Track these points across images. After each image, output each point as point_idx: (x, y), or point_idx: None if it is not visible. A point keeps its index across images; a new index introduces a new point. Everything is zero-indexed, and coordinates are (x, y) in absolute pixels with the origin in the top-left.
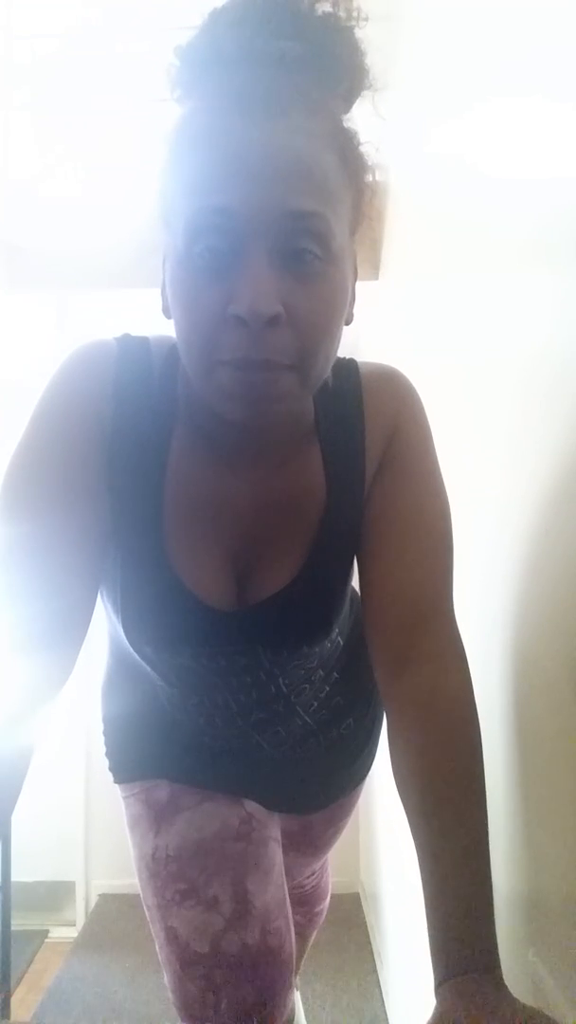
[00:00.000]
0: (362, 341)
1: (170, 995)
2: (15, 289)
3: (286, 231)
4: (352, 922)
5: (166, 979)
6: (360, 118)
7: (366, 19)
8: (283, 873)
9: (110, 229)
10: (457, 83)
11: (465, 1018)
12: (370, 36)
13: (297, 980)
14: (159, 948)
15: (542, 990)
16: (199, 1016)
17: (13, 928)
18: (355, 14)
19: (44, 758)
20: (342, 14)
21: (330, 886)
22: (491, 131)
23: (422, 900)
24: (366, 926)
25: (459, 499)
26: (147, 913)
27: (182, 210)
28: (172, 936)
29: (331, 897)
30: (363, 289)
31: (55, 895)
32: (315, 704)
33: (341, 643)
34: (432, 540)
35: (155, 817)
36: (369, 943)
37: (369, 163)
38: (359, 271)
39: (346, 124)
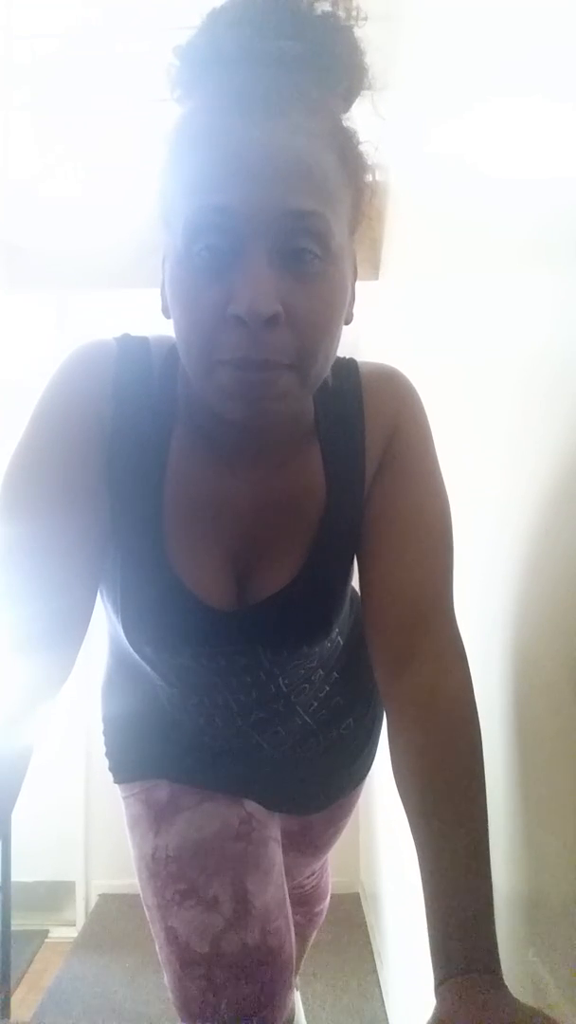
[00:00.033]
0: (362, 341)
1: (170, 995)
2: (15, 289)
3: (286, 230)
4: (352, 922)
5: (166, 979)
6: (360, 118)
7: (365, 18)
8: (283, 873)
9: (110, 229)
10: (457, 83)
11: (465, 1018)
12: (370, 36)
13: (297, 980)
14: (159, 948)
15: (542, 990)
16: (199, 1016)
17: (13, 928)
18: (354, 13)
19: (44, 758)
20: (341, 13)
21: (330, 886)
22: (491, 131)
23: (422, 900)
24: (366, 926)
25: (459, 499)
26: (147, 913)
27: (182, 209)
28: (172, 936)
29: (331, 897)
30: (363, 289)
31: (55, 895)
32: (315, 704)
33: (341, 643)
34: (432, 540)
35: (155, 817)
36: (369, 943)
37: (369, 162)
38: (359, 271)
39: (345, 123)
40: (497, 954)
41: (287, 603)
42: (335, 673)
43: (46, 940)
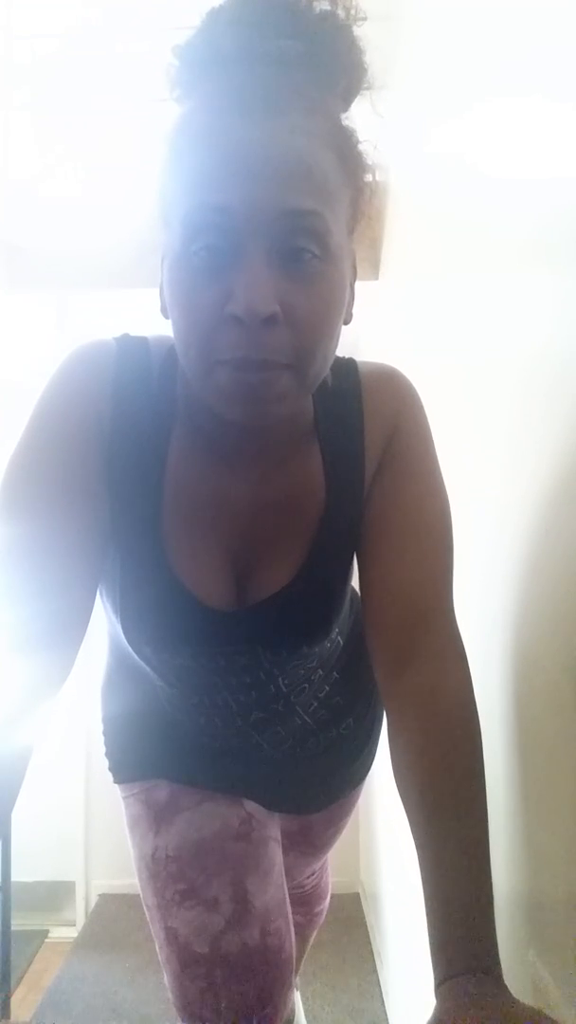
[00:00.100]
0: (362, 341)
1: (170, 995)
2: (15, 289)
3: (284, 230)
4: (352, 922)
5: (166, 979)
6: (360, 117)
7: (364, 18)
8: (283, 873)
9: (110, 229)
10: (457, 83)
11: (465, 1018)
12: (369, 36)
13: (297, 980)
14: (159, 948)
15: (542, 990)
16: (199, 1016)
17: (13, 928)
18: (354, 13)
19: (44, 758)
20: (341, 13)
21: (330, 886)
22: (491, 131)
23: (422, 900)
24: (366, 926)
25: (459, 499)
26: (147, 913)
27: (180, 209)
28: (172, 936)
29: (331, 897)
30: (363, 289)
31: (55, 895)
32: (315, 704)
33: (341, 643)
34: (432, 540)
35: (155, 817)
36: (369, 943)
37: (368, 162)
38: (359, 271)
39: (345, 123)
40: (497, 954)
41: (287, 603)
42: (335, 673)
43: (46, 940)
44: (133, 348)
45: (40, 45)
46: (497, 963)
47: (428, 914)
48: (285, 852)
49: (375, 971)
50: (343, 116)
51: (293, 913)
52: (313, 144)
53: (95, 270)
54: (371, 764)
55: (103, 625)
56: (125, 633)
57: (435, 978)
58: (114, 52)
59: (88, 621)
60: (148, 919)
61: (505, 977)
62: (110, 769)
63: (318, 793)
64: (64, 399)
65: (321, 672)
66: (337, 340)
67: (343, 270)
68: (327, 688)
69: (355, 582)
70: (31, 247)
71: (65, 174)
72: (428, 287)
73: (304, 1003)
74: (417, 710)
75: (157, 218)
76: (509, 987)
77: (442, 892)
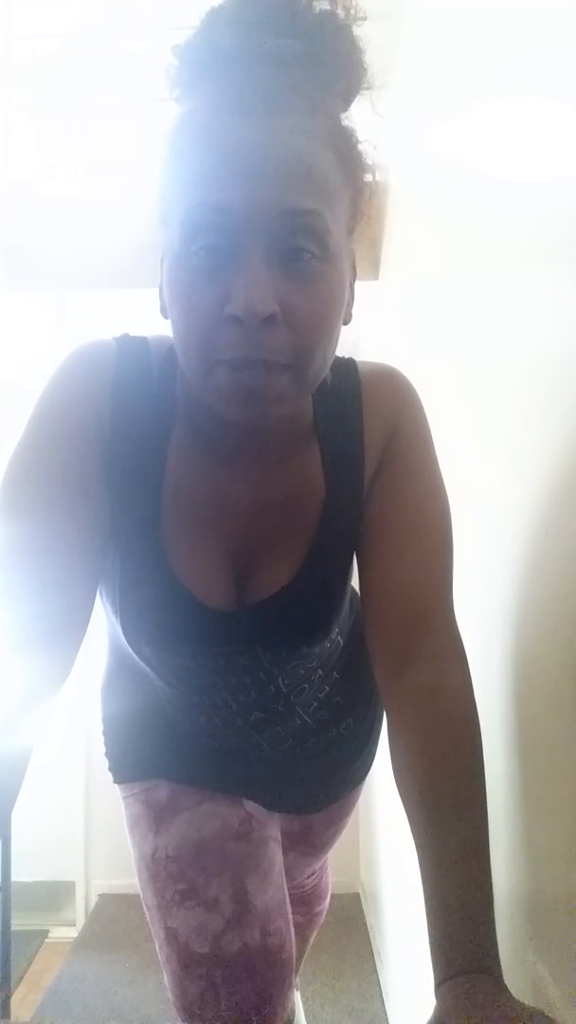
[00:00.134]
0: (362, 341)
1: (170, 995)
2: (15, 289)
3: (283, 230)
4: (352, 922)
5: (166, 979)
6: (360, 117)
7: (364, 17)
8: (283, 873)
9: (110, 229)
10: (457, 83)
11: (465, 1018)
12: (369, 35)
13: (297, 980)
14: (159, 948)
15: (542, 990)
16: (199, 1016)
17: (13, 928)
18: (353, 12)
19: (44, 758)
20: (340, 12)
21: (330, 886)
22: (491, 131)
23: (422, 900)
24: (366, 926)
25: (459, 499)
26: (147, 913)
27: (180, 208)
28: (172, 936)
29: (331, 897)
30: (363, 289)
31: (55, 895)
32: (315, 704)
33: (341, 643)
34: (432, 540)
35: (155, 817)
36: (369, 943)
37: (367, 162)
38: (358, 271)
39: (344, 123)
40: (497, 954)
41: (286, 603)
42: (335, 673)
43: (46, 940)
44: (133, 348)
45: (40, 45)
46: (497, 963)
47: (428, 914)
48: (285, 852)
49: (375, 971)
50: (343, 116)
51: (293, 913)
52: (313, 144)
53: (95, 270)
54: (371, 764)
55: (103, 625)
56: (125, 633)
57: (435, 978)
58: (114, 52)
59: (88, 621)
60: (148, 919)
61: (505, 977)
62: (110, 769)
63: (318, 793)
64: (64, 399)
65: (321, 672)
66: (337, 340)
67: (342, 270)
68: (327, 688)
69: (355, 582)
70: (31, 247)
71: (65, 174)
72: (428, 287)
73: (304, 1003)
74: (417, 710)
75: (157, 218)
76: (509, 987)
77: (442, 892)
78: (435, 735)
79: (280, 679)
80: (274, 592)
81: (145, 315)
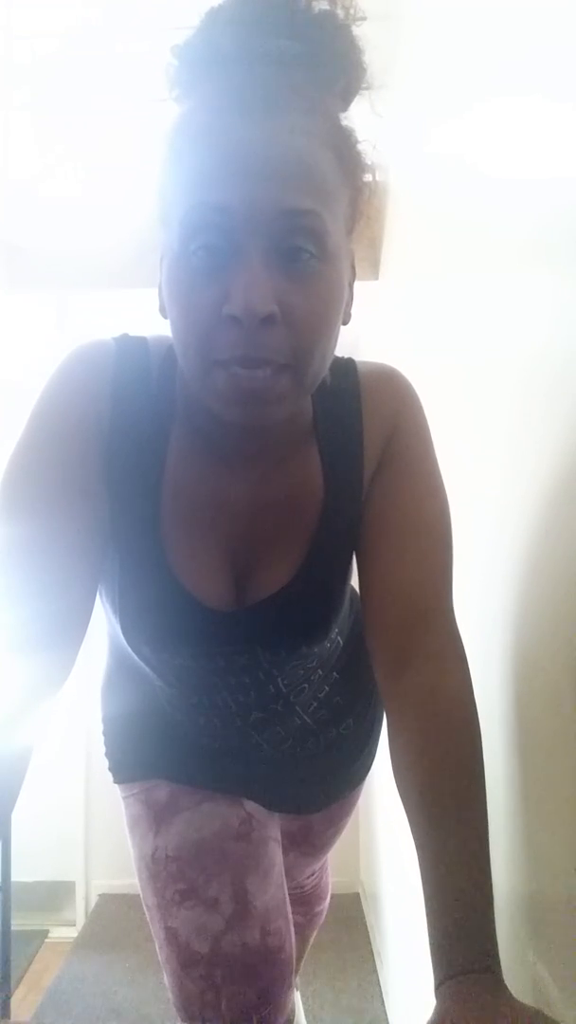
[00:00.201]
0: (362, 341)
1: (170, 995)
2: (15, 289)
3: (282, 230)
4: (352, 922)
5: (166, 979)
6: (359, 117)
7: (364, 17)
8: (283, 873)
9: (110, 229)
10: (457, 83)
11: (465, 1018)
12: (369, 35)
13: (297, 980)
14: (159, 948)
15: (542, 990)
16: (199, 1016)
17: (13, 928)
18: (353, 12)
19: (44, 758)
20: (340, 12)
21: (330, 886)
22: (491, 131)
23: (422, 900)
24: (366, 926)
25: (459, 499)
26: (147, 913)
27: (179, 208)
28: (172, 936)
29: (331, 897)
30: (363, 289)
31: (55, 895)
32: (314, 704)
33: (341, 643)
34: (431, 540)
35: (155, 817)
36: (369, 943)
37: (367, 162)
38: (358, 271)
39: (343, 122)
40: (497, 954)
41: (286, 603)
42: (335, 673)
43: (46, 940)
44: (132, 348)
45: (40, 45)
46: (497, 963)
47: (428, 914)
48: (285, 852)
49: (375, 971)
50: (342, 116)
51: (293, 913)
52: (312, 144)
53: (95, 270)
54: (371, 764)
55: (103, 625)
56: (124, 633)
57: (435, 978)
58: (114, 52)
59: (88, 621)
60: (148, 919)
61: (505, 977)
62: (110, 769)
63: (318, 793)
64: (63, 399)
65: (321, 672)
66: (336, 340)
67: (341, 270)
68: (327, 688)
69: (355, 582)
70: (31, 247)
71: (65, 174)
72: (428, 287)
73: (304, 1003)
74: (417, 710)
75: (156, 218)
76: (509, 987)
77: (442, 892)
78: (435, 735)
79: (279, 679)
80: (273, 592)
81: (145, 315)
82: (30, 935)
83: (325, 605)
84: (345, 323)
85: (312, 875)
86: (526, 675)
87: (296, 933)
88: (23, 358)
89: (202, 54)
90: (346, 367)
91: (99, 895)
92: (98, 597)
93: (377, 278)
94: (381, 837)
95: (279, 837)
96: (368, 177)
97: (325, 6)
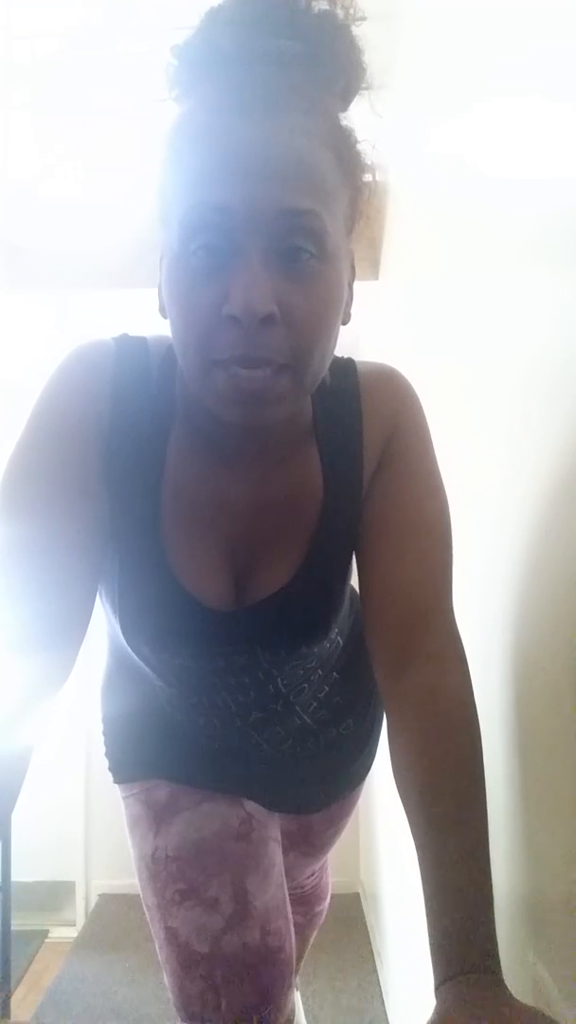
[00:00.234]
0: (362, 341)
1: (170, 995)
2: (15, 289)
3: (282, 230)
4: (352, 922)
5: (166, 979)
6: (359, 117)
7: (363, 17)
8: (283, 873)
9: (110, 229)
10: (457, 83)
11: (465, 1018)
12: (369, 35)
13: (297, 980)
14: (159, 948)
15: (542, 990)
16: (199, 1016)
17: (13, 928)
18: (352, 12)
19: (44, 758)
20: (339, 12)
21: (330, 886)
22: (491, 131)
23: (422, 900)
24: (366, 926)
25: (459, 499)
26: (147, 913)
27: (179, 208)
28: (172, 936)
29: (331, 897)
30: (363, 289)
31: (55, 895)
32: (314, 704)
33: (340, 643)
34: (431, 539)
35: (155, 817)
36: (369, 943)
37: (366, 162)
38: (358, 271)
39: (343, 122)
40: (497, 954)
41: (285, 603)
42: (335, 673)
43: (46, 940)
44: (132, 348)
45: (40, 45)
46: (497, 963)
47: (428, 914)
48: (285, 852)
49: (375, 971)
50: (342, 116)
51: (293, 913)
52: (312, 144)
53: (95, 270)
54: (371, 764)
55: (103, 625)
56: (124, 633)
57: (435, 978)
58: (114, 52)
59: (88, 621)
60: (148, 919)
61: (505, 977)
62: (110, 769)
63: (318, 793)
64: (63, 399)
65: (321, 672)
66: (335, 340)
67: (341, 270)
68: (327, 688)
69: (355, 582)
70: (31, 247)
71: (65, 174)
72: (428, 287)
73: (304, 1003)
74: (417, 710)
75: (156, 218)
76: (509, 987)
77: (442, 892)
78: (435, 735)
79: (279, 679)
80: (273, 592)
81: (145, 315)
82: (30, 935)
83: (325, 605)
84: (345, 323)
85: (312, 875)
86: (526, 675)
87: (296, 933)
88: (23, 358)
89: (202, 54)
90: (346, 367)
91: (99, 895)
92: (98, 597)
93: (377, 278)
94: (381, 837)
95: (279, 837)
96: (368, 177)
97: (325, 6)
